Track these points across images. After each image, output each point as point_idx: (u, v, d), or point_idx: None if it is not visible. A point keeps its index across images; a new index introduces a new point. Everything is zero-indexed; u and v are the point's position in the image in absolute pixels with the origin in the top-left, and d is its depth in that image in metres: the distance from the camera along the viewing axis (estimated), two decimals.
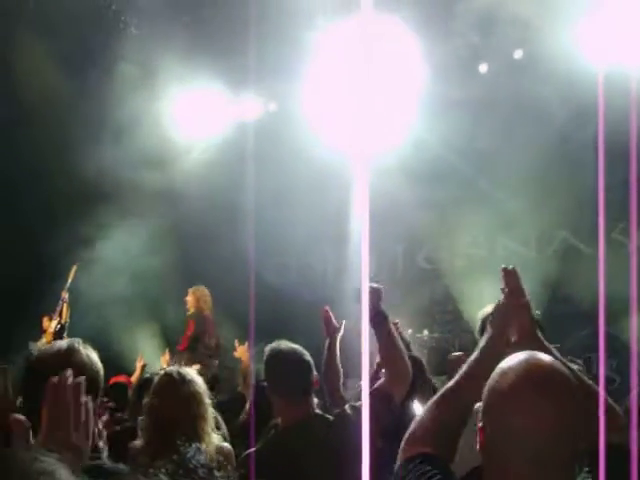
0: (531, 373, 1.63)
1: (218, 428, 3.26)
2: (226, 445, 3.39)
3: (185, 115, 10.42)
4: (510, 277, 2.25)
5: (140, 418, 2.96)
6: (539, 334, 2.24)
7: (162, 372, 3.15)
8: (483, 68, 9.98)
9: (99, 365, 2.48)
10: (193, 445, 2.55)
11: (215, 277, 9.95)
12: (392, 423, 3.22)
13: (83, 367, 2.41)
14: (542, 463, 1.57)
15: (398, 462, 2.00)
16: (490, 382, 1.69)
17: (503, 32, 9.12)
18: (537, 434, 1.56)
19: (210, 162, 10.31)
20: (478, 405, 1.77)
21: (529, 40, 9.14)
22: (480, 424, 1.69)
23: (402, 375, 3.37)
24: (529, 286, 2.28)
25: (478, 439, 1.69)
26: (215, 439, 3.08)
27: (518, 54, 9.62)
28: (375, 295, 3.38)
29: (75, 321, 8.72)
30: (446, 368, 7.01)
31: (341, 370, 3.85)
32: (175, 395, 2.94)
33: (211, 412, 3.04)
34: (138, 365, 8.00)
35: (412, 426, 2.07)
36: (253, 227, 7.67)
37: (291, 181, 9.84)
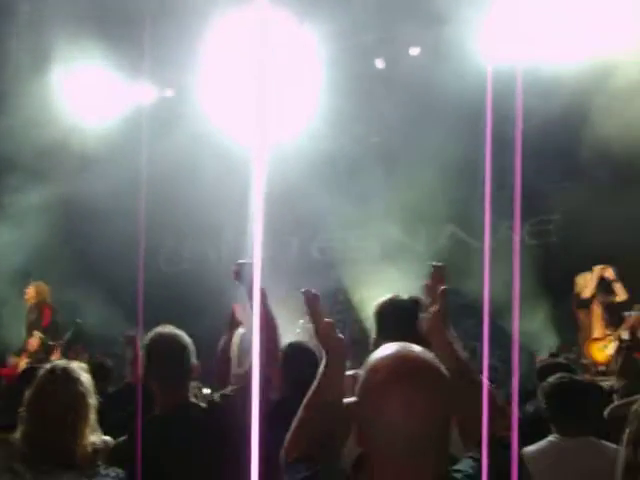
0: (400, 366, 1.64)
1: (101, 424, 3.16)
2: (107, 438, 3.29)
3: (79, 97, 10.13)
4: (438, 272, 2.31)
5: (21, 409, 2.83)
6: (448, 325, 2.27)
7: (47, 367, 3.02)
8: (380, 63, 10.12)
9: None
10: None
11: (107, 263, 9.73)
12: (270, 405, 3.19)
13: None
14: (417, 452, 1.59)
15: (283, 467, 2.02)
16: (362, 377, 1.69)
17: (399, 28, 9.29)
18: (409, 425, 1.57)
19: (106, 144, 10.05)
20: (351, 400, 1.77)
21: (426, 37, 9.34)
22: (355, 420, 1.68)
23: (276, 356, 3.33)
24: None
25: (355, 435, 1.69)
26: (94, 437, 2.98)
27: (414, 51, 9.82)
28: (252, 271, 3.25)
29: None
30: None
31: (235, 363, 3.77)
32: (57, 394, 2.83)
33: (93, 414, 2.93)
34: (23, 355, 7.78)
35: (289, 433, 2.10)
36: (147, 213, 7.53)
37: (187, 168, 9.71)
